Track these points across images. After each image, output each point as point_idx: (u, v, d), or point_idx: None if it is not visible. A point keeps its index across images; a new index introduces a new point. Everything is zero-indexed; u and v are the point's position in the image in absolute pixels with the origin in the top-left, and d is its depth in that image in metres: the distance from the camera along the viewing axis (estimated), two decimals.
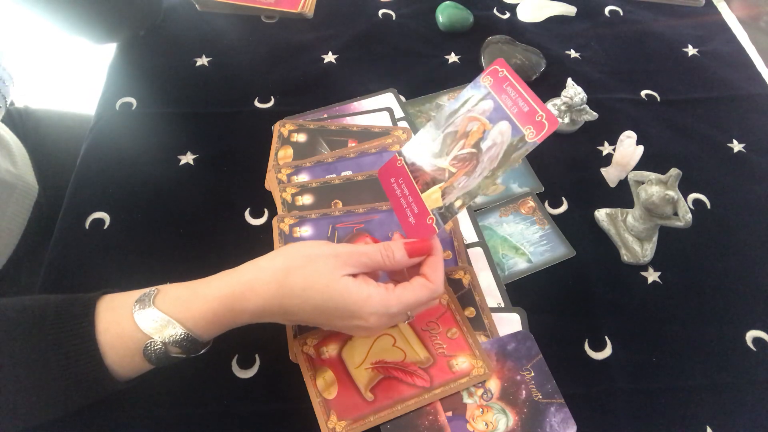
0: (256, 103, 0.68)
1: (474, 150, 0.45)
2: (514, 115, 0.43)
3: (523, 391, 0.48)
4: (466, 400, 0.47)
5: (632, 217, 0.57)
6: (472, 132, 0.45)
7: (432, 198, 0.46)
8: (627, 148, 0.61)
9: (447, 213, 0.45)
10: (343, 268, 0.41)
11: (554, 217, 0.60)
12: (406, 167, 0.48)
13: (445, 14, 0.77)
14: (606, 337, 0.53)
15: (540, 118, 0.42)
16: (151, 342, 0.39)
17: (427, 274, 0.43)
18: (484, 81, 0.46)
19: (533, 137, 0.42)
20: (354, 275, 0.41)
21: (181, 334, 0.39)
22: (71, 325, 0.38)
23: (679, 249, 0.59)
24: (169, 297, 0.40)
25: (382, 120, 0.66)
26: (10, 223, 0.65)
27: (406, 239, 0.45)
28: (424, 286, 0.42)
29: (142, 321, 0.39)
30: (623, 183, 0.63)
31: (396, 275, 0.46)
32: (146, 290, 0.41)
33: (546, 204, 0.61)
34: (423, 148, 0.48)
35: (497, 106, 0.45)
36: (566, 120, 0.66)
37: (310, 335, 0.49)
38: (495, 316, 0.52)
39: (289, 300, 0.40)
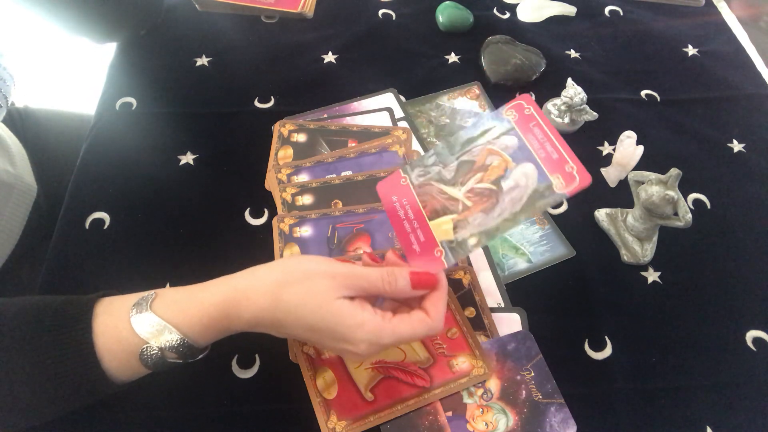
0: (256, 103, 0.68)
1: (494, 187, 0.42)
2: (541, 159, 0.41)
3: (523, 391, 0.48)
4: (466, 400, 0.47)
5: (632, 217, 0.57)
6: (492, 167, 0.43)
7: (442, 229, 0.43)
8: (627, 148, 0.61)
9: (459, 249, 0.42)
10: (339, 290, 0.39)
11: (554, 217, 0.60)
12: (411, 188, 0.45)
13: (445, 14, 0.77)
14: (606, 337, 0.53)
15: (571, 170, 0.39)
16: (147, 347, 0.39)
17: (427, 308, 0.41)
18: (507, 114, 0.43)
19: (562, 189, 0.39)
20: (351, 298, 0.40)
21: (177, 340, 0.39)
22: (68, 327, 0.38)
23: (679, 249, 0.59)
24: (166, 301, 0.40)
25: (382, 120, 0.66)
26: (9, 223, 0.65)
27: (411, 268, 0.42)
28: (422, 322, 0.40)
29: (139, 325, 0.39)
30: (623, 183, 0.63)
31: (394, 300, 0.44)
32: (144, 294, 0.41)
33: None
34: (433, 172, 0.45)
35: (522, 145, 0.42)
36: (566, 120, 0.66)
37: None
38: (495, 316, 0.52)
39: (282, 315, 0.39)
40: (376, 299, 0.43)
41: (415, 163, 0.46)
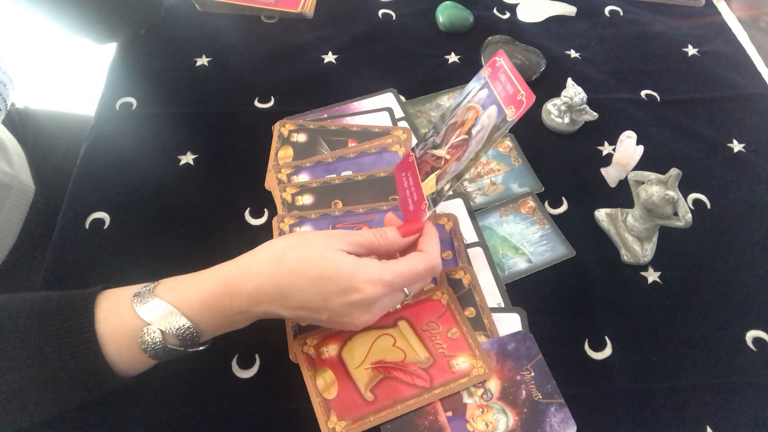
0: (256, 103, 0.68)
1: (466, 136, 0.47)
2: (501, 99, 0.45)
3: (523, 391, 0.48)
4: (466, 400, 0.47)
5: (632, 217, 0.57)
6: (467, 120, 0.48)
7: (428, 185, 0.47)
8: (627, 148, 0.61)
9: (437, 197, 0.46)
10: (337, 245, 0.42)
11: (554, 217, 0.60)
12: (415, 162, 0.51)
13: (445, 14, 0.77)
14: (606, 337, 0.53)
15: (521, 97, 0.43)
16: (147, 328, 0.39)
17: (421, 247, 0.44)
18: (484, 72, 0.48)
19: (512, 116, 0.44)
20: (349, 253, 0.42)
21: (177, 320, 0.39)
22: (70, 316, 0.39)
23: (679, 249, 0.59)
24: (169, 284, 0.41)
25: (382, 120, 0.66)
26: (6, 223, 0.64)
27: (399, 226, 0.46)
28: (417, 256, 0.43)
29: (141, 308, 0.39)
30: (623, 183, 0.63)
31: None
32: (146, 284, 0.41)
33: (546, 204, 0.61)
34: (429, 143, 0.50)
35: (490, 93, 0.47)
36: (566, 120, 0.66)
37: (310, 335, 0.49)
38: (495, 316, 0.52)
39: (285, 277, 0.40)
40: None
41: (419, 141, 0.52)
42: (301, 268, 0.40)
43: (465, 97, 0.49)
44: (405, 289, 0.44)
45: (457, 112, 0.49)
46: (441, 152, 0.48)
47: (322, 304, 0.41)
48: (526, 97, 0.43)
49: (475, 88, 0.49)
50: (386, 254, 0.45)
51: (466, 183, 0.62)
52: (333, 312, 0.41)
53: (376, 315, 0.43)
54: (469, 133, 0.47)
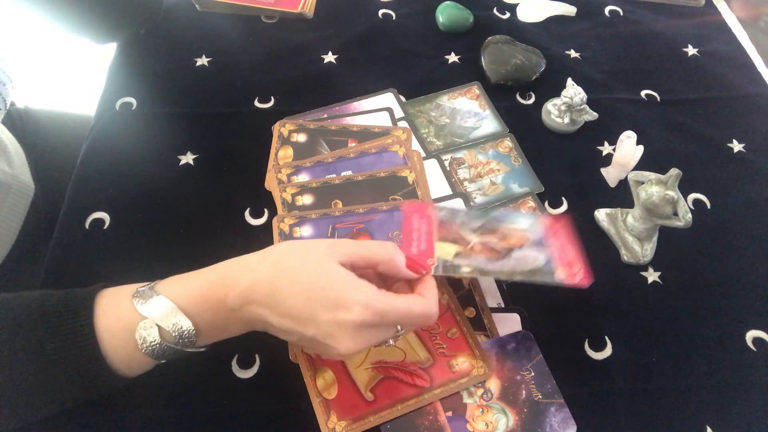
0: (256, 103, 0.68)
1: (503, 251, 0.48)
2: (556, 256, 0.48)
3: (523, 391, 0.48)
4: (466, 400, 0.47)
5: (632, 217, 0.57)
6: (509, 239, 0.49)
7: (444, 250, 0.47)
8: (627, 148, 0.61)
9: (450, 268, 0.46)
10: (337, 255, 0.40)
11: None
12: (434, 219, 0.51)
13: (445, 14, 0.77)
14: (606, 337, 0.53)
15: (577, 270, 0.47)
16: (144, 324, 0.39)
17: (421, 292, 0.42)
18: (542, 220, 0.52)
19: (562, 278, 0.46)
20: (347, 264, 0.41)
21: (175, 317, 0.39)
22: (69, 313, 0.39)
23: (679, 249, 0.59)
24: (170, 281, 0.42)
25: (382, 120, 0.66)
26: (5, 223, 0.64)
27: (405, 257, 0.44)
28: (416, 298, 0.41)
29: (140, 305, 0.39)
30: (623, 183, 0.63)
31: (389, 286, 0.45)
32: (147, 282, 0.42)
33: (546, 204, 0.61)
34: (458, 219, 0.51)
35: (540, 240, 0.49)
36: (566, 120, 0.66)
37: None
38: (495, 316, 0.52)
39: (279, 281, 0.39)
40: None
41: (443, 209, 0.53)
42: (296, 275, 0.39)
43: (512, 222, 0.51)
44: (398, 327, 0.41)
45: (500, 227, 0.50)
46: (472, 237, 0.49)
47: (310, 316, 0.39)
48: (582, 273, 0.46)
49: (524, 224, 0.51)
50: (386, 270, 0.43)
51: (466, 183, 0.62)
52: (319, 329, 0.39)
53: (360, 344, 0.39)
54: (508, 251, 0.48)
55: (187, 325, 0.40)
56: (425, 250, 0.47)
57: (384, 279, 0.45)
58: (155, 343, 0.39)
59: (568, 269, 0.47)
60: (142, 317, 0.39)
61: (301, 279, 0.39)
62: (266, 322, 0.41)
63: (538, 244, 0.49)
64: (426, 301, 0.41)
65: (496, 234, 0.50)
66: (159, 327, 0.39)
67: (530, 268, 0.47)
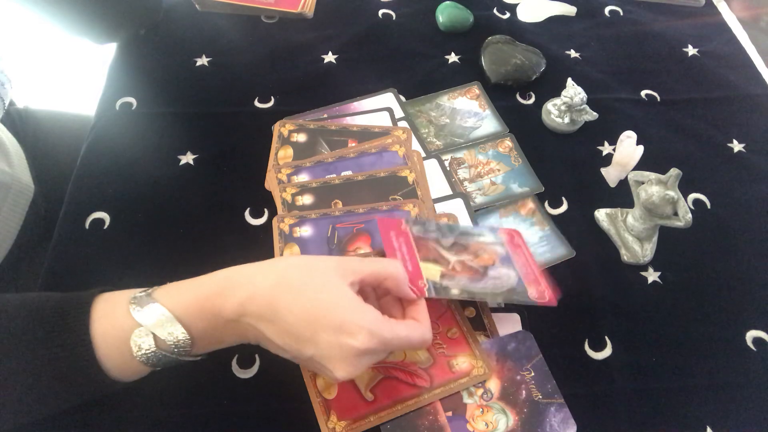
0: (256, 103, 0.68)
1: (480, 269, 0.50)
2: (522, 274, 0.51)
3: (523, 391, 0.48)
4: (466, 400, 0.47)
5: (632, 217, 0.57)
6: (482, 257, 0.51)
7: (430, 271, 0.48)
8: (627, 148, 0.61)
9: (441, 290, 0.47)
10: (344, 276, 0.40)
11: (554, 217, 0.60)
12: (410, 235, 0.51)
13: (445, 14, 0.77)
14: (606, 337, 0.53)
15: (543, 289, 0.50)
16: (139, 332, 0.38)
17: (415, 317, 0.43)
18: (501, 235, 0.54)
19: (534, 297, 0.49)
20: (354, 285, 0.41)
21: (171, 326, 0.38)
22: (66, 315, 0.38)
23: (679, 249, 0.59)
24: (167, 288, 0.41)
25: (382, 120, 0.66)
26: (5, 223, 0.64)
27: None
28: (416, 327, 0.42)
29: (137, 312, 0.39)
30: (623, 183, 0.63)
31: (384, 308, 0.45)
32: (145, 288, 0.41)
33: (546, 204, 0.61)
34: (431, 235, 0.52)
35: (507, 257, 0.52)
36: (566, 120, 0.66)
37: None
38: (495, 316, 0.52)
39: (281, 296, 0.38)
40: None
41: (416, 222, 0.53)
42: (299, 291, 0.38)
43: (478, 235, 0.53)
44: (393, 351, 0.42)
45: (468, 241, 0.52)
46: (450, 257, 0.50)
47: (310, 337, 0.38)
48: (548, 295, 0.50)
49: (488, 237, 0.53)
50: (392, 286, 0.43)
51: (466, 183, 0.62)
52: (318, 350, 0.38)
53: (358, 370, 0.39)
54: (483, 269, 0.50)
55: (182, 334, 0.39)
56: (413, 271, 0.47)
57: (377, 296, 0.45)
58: (150, 351, 0.39)
59: (537, 287, 0.49)
60: (138, 325, 0.38)
61: (304, 297, 0.38)
62: (262, 337, 0.40)
63: (506, 261, 0.51)
64: (422, 327, 0.42)
65: (469, 251, 0.51)
66: (154, 335, 0.38)
67: (507, 287, 0.49)
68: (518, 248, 0.53)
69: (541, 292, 0.49)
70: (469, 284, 0.48)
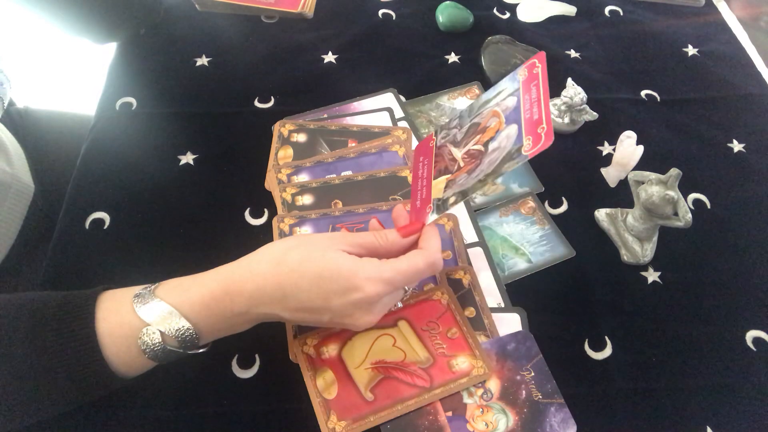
0: (256, 103, 0.68)
1: (482, 149, 0.44)
2: (525, 120, 0.42)
3: (523, 391, 0.48)
4: (466, 400, 0.47)
5: (632, 217, 0.57)
6: (489, 128, 0.45)
7: (437, 188, 0.46)
8: (627, 148, 0.61)
9: (442, 206, 0.45)
10: (338, 245, 0.42)
11: (554, 217, 0.60)
12: (434, 149, 0.49)
13: (445, 14, 0.77)
14: (606, 337, 0.53)
15: (541, 130, 0.40)
16: (147, 329, 0.39)
17: (421, 245, 0.44)
18: (520, 74, 0.44)
19: (528, 149, 0.40)
20: (348, 253, 0.42)
21: (177, 322, 0.39)
22: (71, 316, 0.39)
23: (679, 249, 0.59)
24: (170, 286, 0.41)
25: (382, 120, 0.66)
26: (5, 222, 0.64)
27: (399, 227, 0.45)
28: (417, 253, 0.43)
29: (141, 309, 0.39)
30: (623, 183, 0.63)
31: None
32: (147, 285, 0.42)
33: (546, 204, 0.61)
34: (451, 134, 0.48)
35: (517, 106, 0.43)
36: (566, 120, 0.66)
37: (310, 335, 0.49)
38: (495, 316, 0.52)
39: (286, 277, 0.40)
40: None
41: (444, 126, 0.49)
42: (302, 268, 0.40)
43: (495, 96, 0.45)
44: (405, 287, 0.44)
45: (483, 111, 0.46)
46: (457, 154, 0.46)
47: (323, 305, 0.40)
48: (545, 134, 0.39)
49: (506, 90, 0.44)
50: (387, 255, 0.45)
51: None
52: (335, 313, 0.41)
53: (377, 315, 0.43)
54: (486, 146, 0.44)
55: (188, 329, 0.40)
56: (425, 197, 0.46)
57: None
58: (158, 347, 0.39)
59: (534, 133, 0.40)
60: (144, 322, 0.39)
61: (307, 271, 0.40)
62: (276, 316, 0.42)
63: (513, 116, 0.43)
64: (427, 252, 0.43)
65: (478, 130, 0.45)
66: (161, 331, 0.39)
67: (503, 156, 0.42)
68: (532, 82, 0.43)
69: (536, 138, 0.40)
70: (467, 181, 0.44)
